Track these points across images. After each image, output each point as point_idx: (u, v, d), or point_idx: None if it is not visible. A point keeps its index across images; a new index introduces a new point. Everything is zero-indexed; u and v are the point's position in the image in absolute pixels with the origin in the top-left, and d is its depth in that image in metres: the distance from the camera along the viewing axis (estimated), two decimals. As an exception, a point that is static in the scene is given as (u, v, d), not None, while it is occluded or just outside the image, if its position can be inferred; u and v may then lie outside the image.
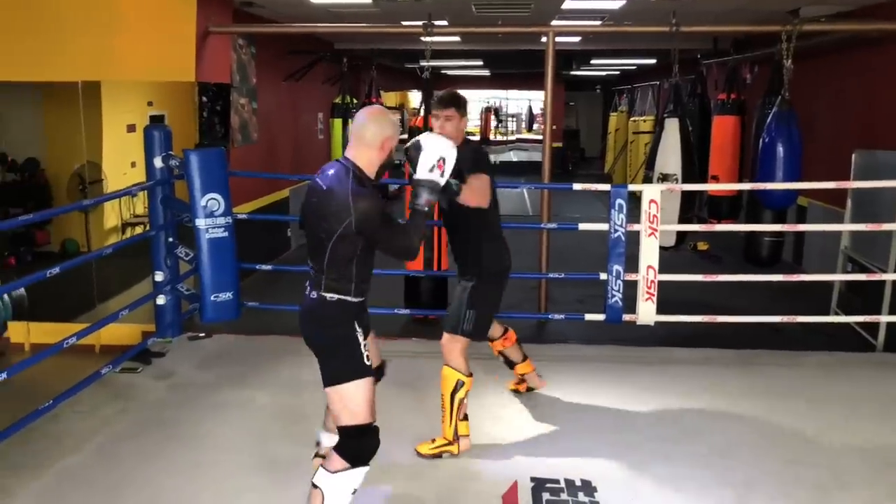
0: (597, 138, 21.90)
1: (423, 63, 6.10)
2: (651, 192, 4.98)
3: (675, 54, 6.35)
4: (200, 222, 4.68)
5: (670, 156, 6.19)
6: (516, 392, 4.51)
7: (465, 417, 3.79)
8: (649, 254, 4.98)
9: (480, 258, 3.76)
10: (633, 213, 5.08)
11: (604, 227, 5.08)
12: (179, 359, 5.04)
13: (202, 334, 5.45)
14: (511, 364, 4.43)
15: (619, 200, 4.98)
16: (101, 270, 6.53)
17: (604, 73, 19.30)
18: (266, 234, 8.05)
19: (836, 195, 6.36)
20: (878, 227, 5.16)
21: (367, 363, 2.88)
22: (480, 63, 15.01)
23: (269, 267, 5.91)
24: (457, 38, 10.26)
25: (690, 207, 6.58)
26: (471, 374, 3.74)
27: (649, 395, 4.48)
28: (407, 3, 7.10)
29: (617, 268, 5.04)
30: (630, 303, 5.28)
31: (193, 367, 4.92)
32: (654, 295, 5.01)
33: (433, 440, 3.77)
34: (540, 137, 19.50)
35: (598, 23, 8.48)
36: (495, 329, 4.29)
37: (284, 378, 4.75)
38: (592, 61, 14.33)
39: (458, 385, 3.70)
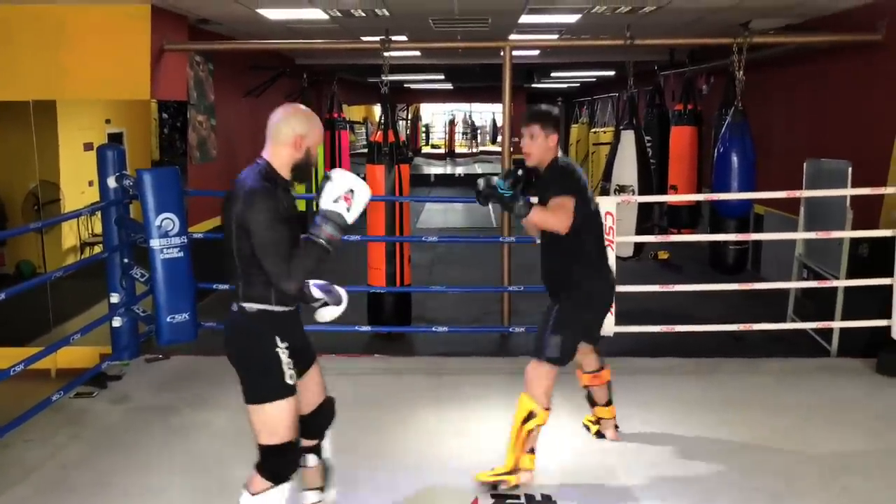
0: (560, 149, 22.06)
1: (383, 77, 6.10)
2: (607, 205, 5.03)
3: (629, 67, 6.47)
4: (155, 243, 4.62)
5: (627, 167, 6.29)
6: (586, 427, 4.17)
7: (532, 451, 3.54)
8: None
9: (570, 280, 3.51)
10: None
11: (562, 239, 5.10)
12: (136, 382, 4.96)
13: (160, 356, 5.36)
14: (593, 403, 4.08)
15: (576, 213, 5.00)
16: (57, 292, 6.39)
17: (565, 86, 19.50)
18: (225, 253, 7.95)
19: (791, 203, 6.49)
20: (828, 234, 5.28)
21: (291, 382, 2.72)
22: (442, 77, 15.09)
23: (226, 287, 5.82)
24: (417, 53, 10.30)
25: (648, 217, 6.68)
26: (549, 409, 3.49)
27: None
28: (364, 19, 7.10)
29: (576, 280, 5.06)
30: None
31: (150, 390, 4.84)
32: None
33: (493, 468, 3.56)
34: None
35: (556, 37, 8.58)
36: (590, 361, 3.95)
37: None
38: (553, 74, 14.48)
39: (531, 416, 3.45)
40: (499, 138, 29.29)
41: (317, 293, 2.89)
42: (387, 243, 5.93)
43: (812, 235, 5.51)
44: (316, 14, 6.79)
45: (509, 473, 3.51)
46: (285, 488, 2.78)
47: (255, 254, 2.58)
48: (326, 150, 10.02)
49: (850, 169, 5.27)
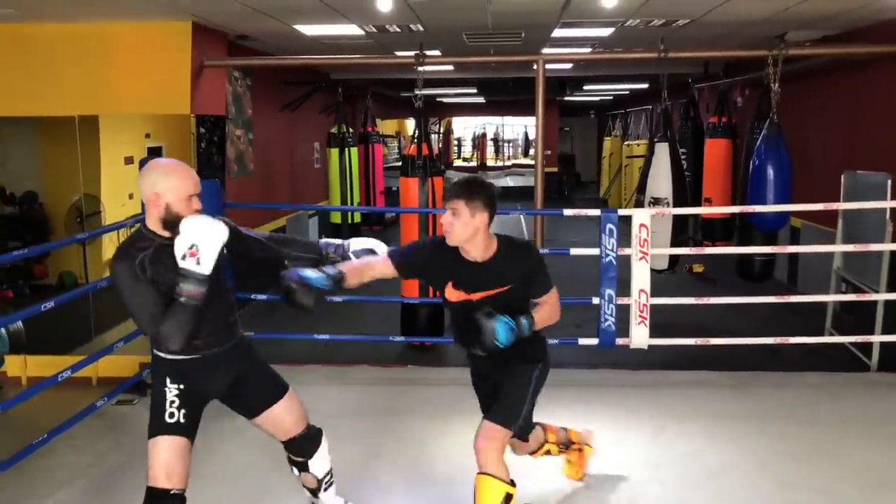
0: (592, 163, 22.03)
1: (417, 92, 6.18)
2: (641, 217, 5.02)
3: (663, 80, 6.46)
4: (195, 254, 4.70)
5: (661, 180, 6.27)
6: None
7: None
8: (641, 277, 5.00)
9: (542, 348, 3.15)
10: (627, 238, 5.12)
11: (595, 251, 5.11)
12: (175, 390, 5.04)
13: (198, 365, 5.45)
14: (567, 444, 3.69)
15: (609, 225, 5.02)
16: (98, 302, 6.55)
17: (597, 99, 19.47)
18: (263, 264, 8.07)
19: (828, 216, 6.41)
20: (866, 247, 5.21)
21: (170, 420, 2.76)
22: (475, 90, 15.16)
23: (263, 297, 5.92)
24: (450, 67, 10.39)
25: (683, 230, 6.65)
26: (513, 482, 2.92)
27: (643, 419, 4.48)
28: (399, 34, 7.20)
29: (609, 292, 5.07)
30: (624, 326, 5.31)
31: (189, 398, 4.92)
32: (646, 318, 5.03)
33: None
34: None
35: (588, 50, 8.60)
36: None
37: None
38: (585, 87, 14.47)
39: (507, 499, 2.87)
40: (531, 151, 29.30)
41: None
42: (420, 255, 5.97)
43: (851, 248, 5.44)
44: (351, 29, 6.91)
45: None
46: None
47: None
48: (361, 163, 10.12)
49: (889, 181, 5.21)
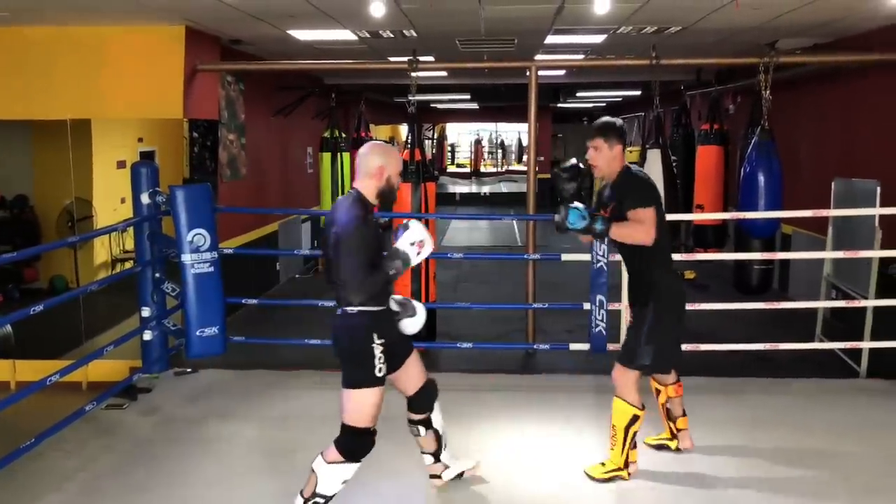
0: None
1: (410, 97, 6.19)
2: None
3: (655, 87, 6.48)
4: (186, 258, 4.71)
5: (653, 186, 6.27)
6: (664, 446, 4.10)
7: (635, 445, 3.72)
8: (632, 283, 5.01)
9: (656, 289, 3.60)
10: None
11: (587, 257, 5.13)
12: (166, 394, 5.04)
13: (189, 369, 5.45)
14: (671, 417, 4.07)
15: (601, 231, 5.02)
16: (89, 307, 6.53)
17: (590, 105, 19.52)
18: (255, 269, 8.07)
19: (819, 223, 6.44)
20: (856, 254, 5.24)
21: (379, 374, 3.18)
22: (468, 96, 15.19)
23: (255, 301, 5.92)
24: (444, 73, 10.41)
25: (675, 237, 6.66)
26: (643, 407, 3.66)
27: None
28: (392, 39, 7.22)
29: (600, 297, 5.08)
30: (616, 332, 5.32)
31: (180, 403, 4.91)
32: (637, 324, 5.03)
33: (603, 464, 3.76)
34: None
35: (581, 57, 8.64)
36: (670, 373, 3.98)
37: (272, 412, 4.75)
38: (578, 94, 14.53)
39: (634, 420, 3.63)
40: (524, 157, 29.35)
41: (394, 306, 3.37)
42: (412, 261, 5.97)
43: (840, 255, 5.48)
44: (345, 35, 6.92)
45: (621, 469, 3.70)
46: (353, 467, 3.23)
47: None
48: (354, 168, 10.13)
49: (878, 188, 5.24)
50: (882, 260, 5.32)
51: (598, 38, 7.37)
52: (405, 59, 6.23)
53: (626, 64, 7.00)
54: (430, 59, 8.38)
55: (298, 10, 5.65)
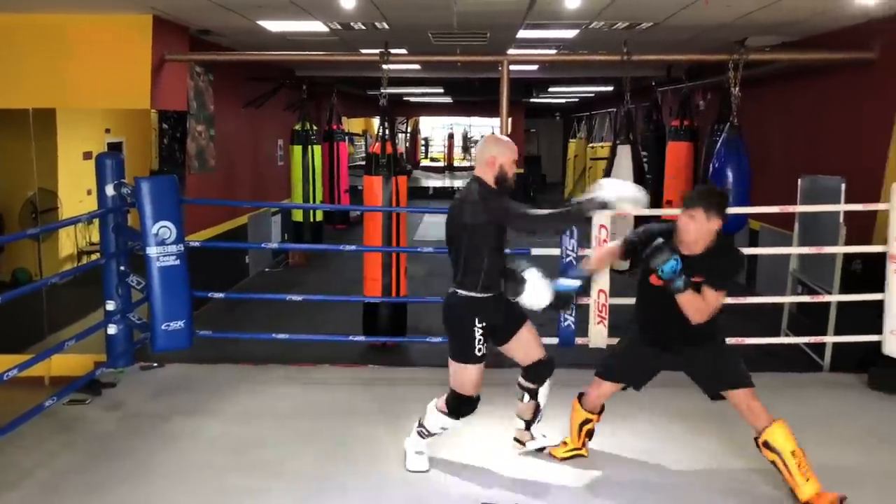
0: (558, 164, 22.16)
1: (383, 90, 6.16)
2: (600, 217, 5.06)
3: (626, 82, 6.52)
4: (151, 250, 4.63)
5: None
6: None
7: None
8: (600, 278, 5.04)
9: (718, 328, 3.60)
10: (589, 239, 5.15)
11: (556, 251, 5.14)
12: (130, 389, 4.96)
13: (155, 364, 5.37)
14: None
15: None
16: (54, 300, 6.41)
17: (563, 101, 19.60)
18: (223, 262, 7.98)
19: (786, 219, 6.52)
20: (820, 250, 5.31)
21: (479, 354, 3.58)
22: (442, 90, 15.16)
23: (222, 295, 5.85)
24: (417, 66, 10.37)
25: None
26: (779, 417, 3.52)
27: (604, 416, 4.50)
28: (364, 31, 7.17)
29: (570, 292, 5.08)
30: (585, 326, 5.34)
31: (145, 398, 4.84)
32: (605, 318, 5.07)
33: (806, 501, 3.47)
34: (502, 163, 19.61)
35: (554, 52, 8.65)
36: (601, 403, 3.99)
37: (238, 407, 4.70)
38: (551, 89, 14.56)
39: (787, 435, 3.46)
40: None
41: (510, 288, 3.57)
42: (383, 254, 5.96)
43: (806, 250, 5.55)
44: (316, 26, 6.86)
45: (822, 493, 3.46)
46: (453, 422, 3.71)
47: (472, 248, 3.50)
48: (325, 161, 10.05)
49: (843, 185, 5.31)
50: (846, 256, 5.40)
51: (571, 34, 7.39)
52: (377, 51, 6.19)
53: (597, 59, 7.03)
54: (403, 51, 8.34)
55: (267, 1, 5.58)
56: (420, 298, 6.70)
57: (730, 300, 5.65)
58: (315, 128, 9.60)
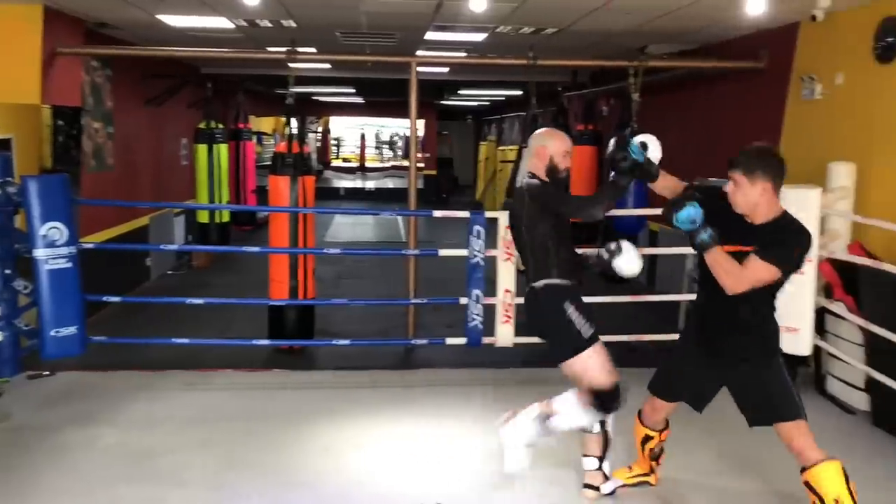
0: (470, 166, 22.37)
1: (290, 89, 6.06)
2: (506, 219, 5.11)
3: (532, 87, 6.64)
4: (39, 253, 4.39)
5: (529, 183, 6.42)
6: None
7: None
8: (506, 278, 5.12)
9: (774, 339, 3.14)
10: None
11: (464, 252, 5.18)
12: (17, 399, 4.70)
13: (46, 372, 5.11)
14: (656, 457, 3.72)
15: (476, 227, 5.10)
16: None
17: (475, 104, 19.80)
18: (123, 265, 7.66)
19: (683, 220, 6.78)
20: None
21: (588, 335, 3.34)
22: (353, 90, 15.05)
23: (117, 299, 5.61)
24: (327, 66, 10.26)
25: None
26: (832, 456, 3.06)
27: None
28: (271, 29, 7.04)
29: (476, 292, 5.15)
30: (493, 326, 5.40)
31: (33, 408, 4.60)
32: (511, 317, 5.15)
33: None
34: (418, 165, 19.71)
35: (463, 54, 8.72)
36: (665, 415, 3.59)
37: (135, 415, 4.53)
38: (461, 91, 14.69)
39: (844, 476, 2.98)
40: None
41: (604, 255, 3.43)
42: (290, 256, 5.86)
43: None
44: (220, 23, 6.68)
45: None
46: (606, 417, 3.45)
47: (545, 239, 3.36)
48: (231, 160, 9.81)
49: (734, 188, 5.56)
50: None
51: (479, 37, 7.47)
52: (284, 49, 6.09)
53: (505, 63, 7.13)
54: (312, 50, 8.24)
55: (167, -6, 5.41)
56: (326, 301, 6.63)
57: (629, 298, 5.88)
58: (221, 126, 9.35)
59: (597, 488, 3.59)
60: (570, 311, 3.32)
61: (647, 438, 3.59)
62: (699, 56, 7.39)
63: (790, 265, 2.96)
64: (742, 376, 3.15)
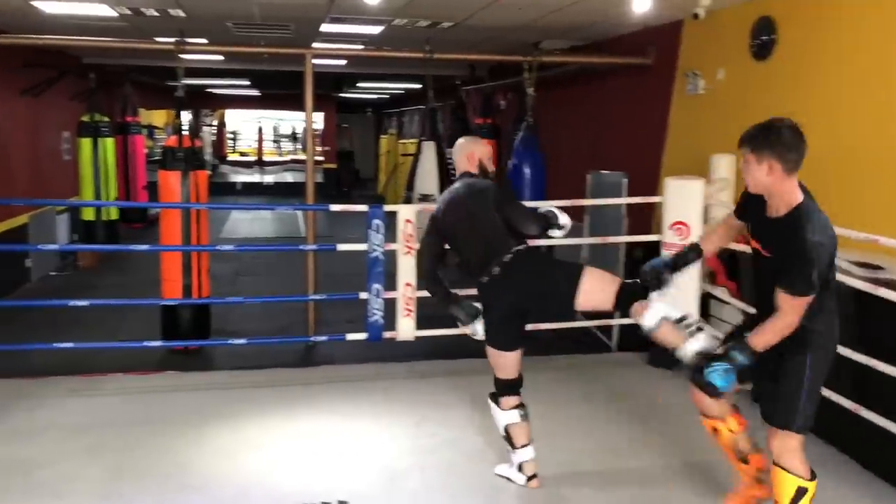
0: (371, 160, 22.27)
1: (180, 81, 5.83)
2: (406, 212, 5.13)
3: (429, 80, 6.65)
4: None
5: (428, 177, 6.46)
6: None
7: None
8: (407, 271, 5.11)
9: (817, 338, 2.82)
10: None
11: (363, 247, 5.14)
12: None
13: None
14: (744, 458, 3.24)
15: (375, 221, 5.08)
16: None
17: (374, 97, 19.70)
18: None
19: (577, 212, 6.96)
20: (606, 240, 5.74)
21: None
22: (248, 83, 14.68)
23: (-3, 303, 5.27)
24: (220, 57, 9.95)
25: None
26: (814, 476, 2.87)
27: (408, 409, 4.59)
28: (158, 18, 6.75)
29: (376, 286, 5.13)
30: (393, 320, 5.39)
31: None
32: (412, 311, 5.16)
33: None
34: (317, 158, 19.44)
35: (360, 47, 8.65)
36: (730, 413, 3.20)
37: (14, 425, 4.26)
38: (360, 84, 14.58)
39: (800, 493, 2.82)
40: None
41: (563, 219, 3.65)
42: (183, 254, 5.65)
43: (594, 241, 5.96)
44: (101, 10, 6.36)
45: None
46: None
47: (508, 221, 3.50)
48: (119, 155, 9.37)
49: (625, 180, 5.77)
50: (629, 245, 5.86)
51: (376, 30, 7.42)
52: (172, 40, 5.86)
53: (402, 56, 7.12)
54: (203, 41, 7.97)
55: (41, -21, 5.10)
56: (220, 299, 6.44)
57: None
58: (107, 119, 8.92)
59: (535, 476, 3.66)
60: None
61: (714, 430, 3.23)
62: (591, 52, 7.60)
63: (810, 287, 2.64)
64: (773, 370, 2.90)
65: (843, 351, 3.49)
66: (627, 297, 3.31)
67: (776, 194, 2.73)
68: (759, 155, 2.68)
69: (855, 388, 3.86)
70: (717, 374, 2.78)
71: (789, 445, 2.84)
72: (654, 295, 3.25)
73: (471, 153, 3.80)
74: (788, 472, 2.82)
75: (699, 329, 3.11)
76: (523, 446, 3.64)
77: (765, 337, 2.76)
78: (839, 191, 4.09)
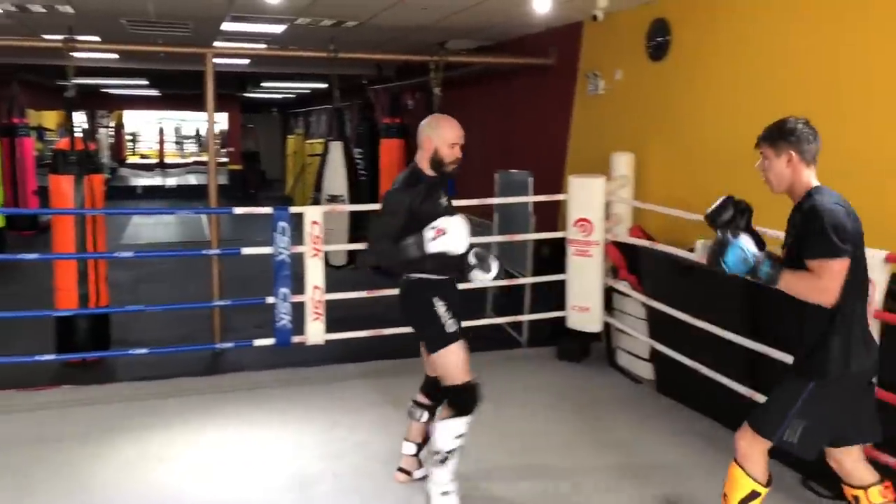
0: (278, 161, 21.88)
1: (70, 81, 5.56)
2: (312, 214, 5.06)
3: (334, 79, 6.60)
4: None
5: (336, 178, 6.40)
6: None
7: None
8: (315, 274, 5.05)
9: (824, 352, 2.63)
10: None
11: (268, 250, 5.04)
12: None
13: None
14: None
15: (281, 223, 4.98)
16: None
17: (280, 97, 19.37)
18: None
19: (486, 210, 7.05)
20: (514, 237, 5.83)
21: (451, 331, 3.30)
22: (147, 82, 14.16)
23: None
24: (115, 56, 9.56)
25: (360, 226, 6.85)
26: (769, 484, 2.78)
27: (319, 414, 4.54)
28: (46, 15, 6.43)
29: (283, 290, 5.04)
30: (302, 324, 5.31)
31: None
32: (322, 314, 5.09)
33: None
34: (221, 160, 18.95)
35: (263, 46, 8.48)
36: (858, 468, 2.80)
37: None
38: (265, 84, 14.31)
39: (752, 496, 2.76)
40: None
41: (472, 259, 3.44)
42: (78, 262, 5.39)
43: (503, 238, 6.04)
44: (-19, 6, 6.00)
45: None
46: (465, 420, 3.33)
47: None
48: (6, 159, 8.87)
49: (531, 179, 5.87)
50: (536, 242, 5.97)
51: (278, 29, 7.30)
52: (61, 37, 5.58)
53: (306, 55, 7.01)
54: (96, 39, 7.63)
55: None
56: (123, 308, 6.18)
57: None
58: (-9, 121, 8.43)
59: (409, 472, 3.67)
60: (440, 306, 3.31)
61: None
62: (495, 52, 7.70)
63: (844, 251, 2.54)
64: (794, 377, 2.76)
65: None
66: (444, 398, 3.40)
67: (797, 186, 2.72)
68: (776, 148, 2.71)
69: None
70: (735, 254, 2.68)
71: (759, 448, 2.76)
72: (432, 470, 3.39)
73: (426, 139, 3.30)
74: (748, 474, 2.77)
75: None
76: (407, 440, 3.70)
77: (795, 280, 2.62)
78: (730, 187, 4.29)
